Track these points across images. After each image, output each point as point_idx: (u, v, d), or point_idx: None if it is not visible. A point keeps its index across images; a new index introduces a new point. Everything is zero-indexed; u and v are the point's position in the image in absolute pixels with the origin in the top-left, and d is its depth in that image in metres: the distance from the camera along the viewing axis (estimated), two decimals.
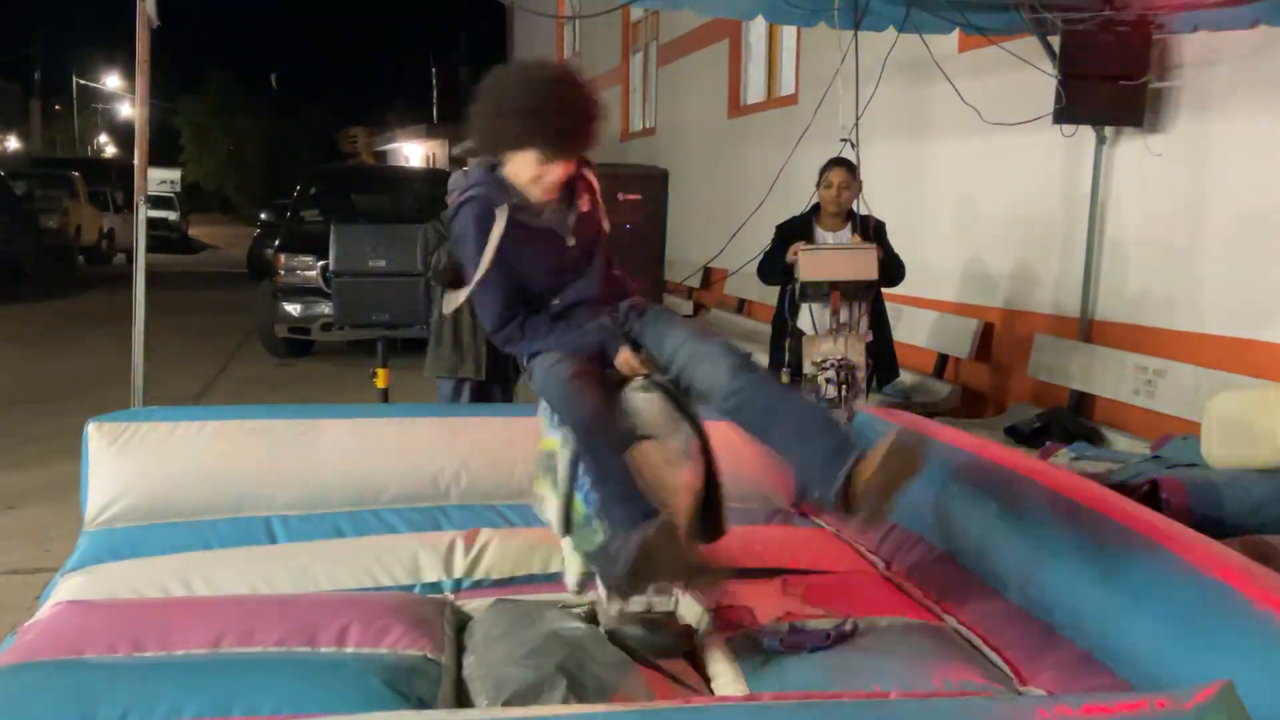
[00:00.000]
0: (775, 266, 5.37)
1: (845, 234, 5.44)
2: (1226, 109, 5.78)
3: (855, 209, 5.44)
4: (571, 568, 2.93)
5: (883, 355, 5.50)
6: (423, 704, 2.45)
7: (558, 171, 2.76)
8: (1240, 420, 4.33)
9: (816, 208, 5.55)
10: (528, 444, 3.16)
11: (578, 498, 2.80)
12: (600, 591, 2.81)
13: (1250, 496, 4.01)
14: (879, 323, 5.43)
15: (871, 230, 5.37)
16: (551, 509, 2.89)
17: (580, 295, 2.90)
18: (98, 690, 2.37)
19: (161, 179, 36.28)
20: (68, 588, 3.14)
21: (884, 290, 5.54)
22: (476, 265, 2.75)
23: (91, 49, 51.40)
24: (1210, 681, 1.64)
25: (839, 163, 5.44)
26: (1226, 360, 5.65)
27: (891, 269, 5.30)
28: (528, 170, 2.75)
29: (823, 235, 5.46)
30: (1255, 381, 5.27)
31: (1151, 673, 2.38)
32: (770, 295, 5.73)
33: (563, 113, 2.70)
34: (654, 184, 7.76)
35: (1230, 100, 5.75)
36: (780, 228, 5.53)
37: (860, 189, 5.41)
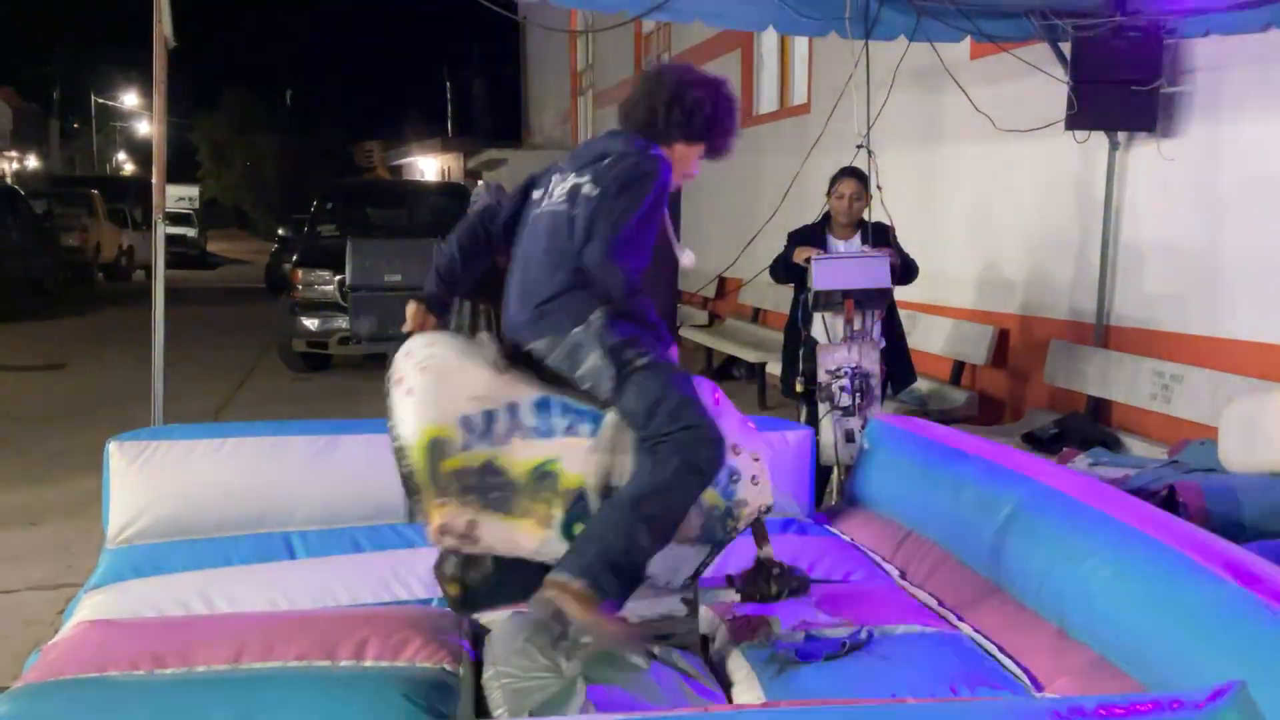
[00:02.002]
0: (779, 267, 5.43)
1: (856, 242, 5.45)
2: (1239, 113, 5.77)
3: (867, 218, 5.46)
4: (688, 566, 2.88)
5: (899, 361, 5.50)
6: (442, 716, 2.47)
7: (698, 170, 3.09)
8: (1258, 424, 4.32)
9: (828, 216, 5.56)
10: None
11: (715, 493, 2.79)
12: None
13: (1268, 500, 4.00)
14: (893, 329, 5.43)
15: (877, 235, 5.37)
16: (511, 529, 2.72)
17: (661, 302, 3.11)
18: (121, 708, 2.41)
19: (180, 196, 36.58)
20: (91, 605, 3.17)
21: (901, 298, 5.54)
22: (643, 218, 2.79)
23: (109, 68, 51.82)
24: (1224, 682, 1.65)
25: (850, 173, 5.45)
26: (1243, 364, 5.63)
27: (904, 271, 5.31)
28: (685, 163, 3.03)
29: (834, 244, 5.47)
30: (1272, 385, 5.25)
31: (1168, 677, 2.39)
32: (785, 304, 5.74)
33: (736, 123, 3.07)
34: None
35: (1243, 104, 5.74)
36: (792, 235, 5.54)
37: (870, 199, 5.42)
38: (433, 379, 2.73)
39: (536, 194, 3.03)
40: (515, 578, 2.75)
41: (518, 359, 2.85)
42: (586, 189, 2.84)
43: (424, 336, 2.92)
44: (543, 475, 2.70)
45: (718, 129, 3.02)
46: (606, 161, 2.89)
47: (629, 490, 2.67)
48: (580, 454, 2.72)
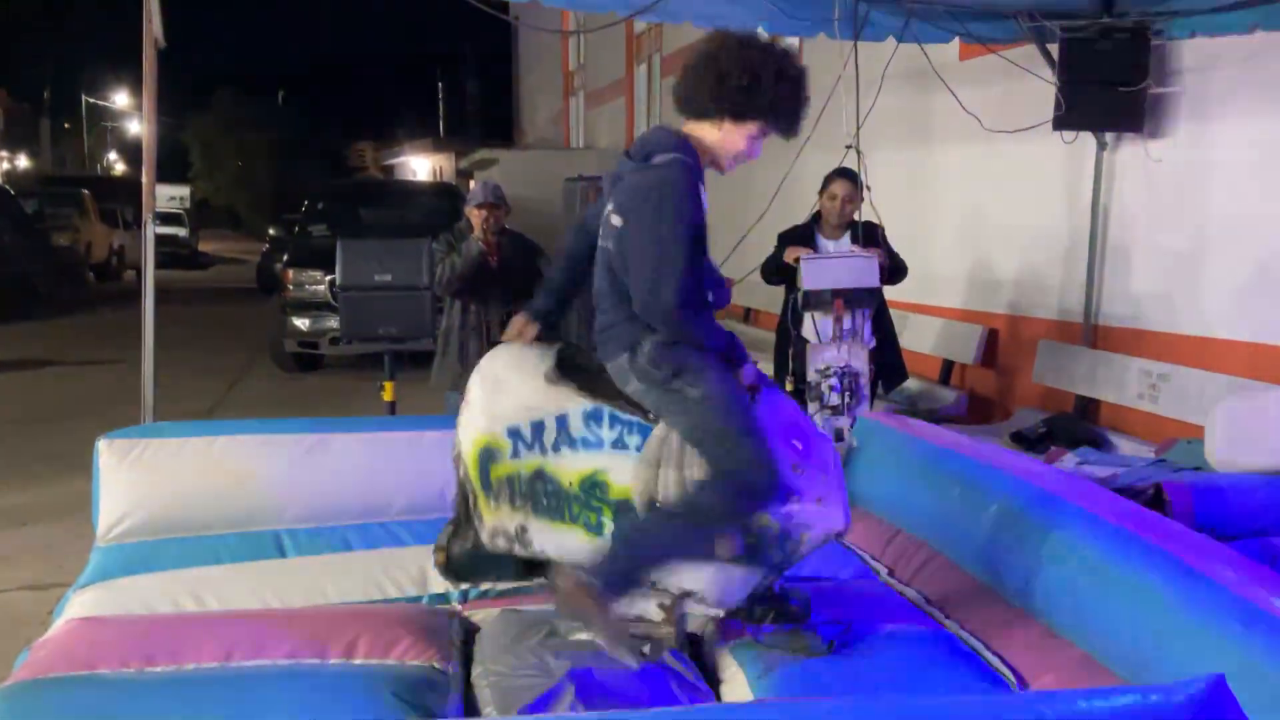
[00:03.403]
0: (770, 268, 5.46)
1: (845, 242, 5.47)
2: (1226, 113, 5.80)
3: (857, 218, 5.48)
4: (742, 589, 2.85)
5: (889, 360, 5.52)
6: (431, 714, 2.48)
7: (759, 151, 2.83)
8: (1244, 424, 4.35)
9: (817, 216, 5.58)
10: None
11: (768, 514, 2.74)
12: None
13: (1254, 500, 4.03)
14: (884, 327, 5.45)
15: (867, 235, 5.39)
16: (563, 535, 2.80)
17: (718, 297, 2.85)
18: (111, 705, 2.42)
19: (171, 195, 36.44)
20: (81, 603, 3.18)
21: (890, 298, 5.56)
22: (685, 226, 2.64)
23: (100, 68, 51.61)
24: (1203, 676, 1.66)
25: (843, 174, 5.46)
26: (1230, 364, 5.66)
27: (893, 270, 5.33)
28: (739, 142, 2.79)
29: (824, 244, 5.49)
30: (1259, 385, 5.28)
31: (1153, 675, 2.40)
32: (776, 304, 5.76)
33: (802, 99, 2.78)
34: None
35: (1229, 105, 5.77)
36: (782, 235, 5.57)
37: (862, 201, 5.44)
38: (487, 390, 2.84)
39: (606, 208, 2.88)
40: (494, 556, 2.87)
41: (575, 369, 2.86)
42: (615, 220, 2.77)
43: (500, 348, 2.97)
44: (593, 485, 2.76)
45: (778, 106, 2.75)
46: (621, 185, 2.78)
47: (669, 505, 2.70)
48: (628, 465, 2.75)
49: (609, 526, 2.76)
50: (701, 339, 2.70)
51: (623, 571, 2.70)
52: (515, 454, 2.78)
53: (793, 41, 10.33)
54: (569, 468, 2.77)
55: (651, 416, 2.77)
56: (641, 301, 2.67)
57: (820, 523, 2.79)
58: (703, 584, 2.78)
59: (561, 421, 2.78)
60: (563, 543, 2.80)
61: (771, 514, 2.74)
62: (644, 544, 2.71)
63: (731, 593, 2.83)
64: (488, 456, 2.80)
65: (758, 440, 2.66)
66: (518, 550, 2.83)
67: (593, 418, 2.77)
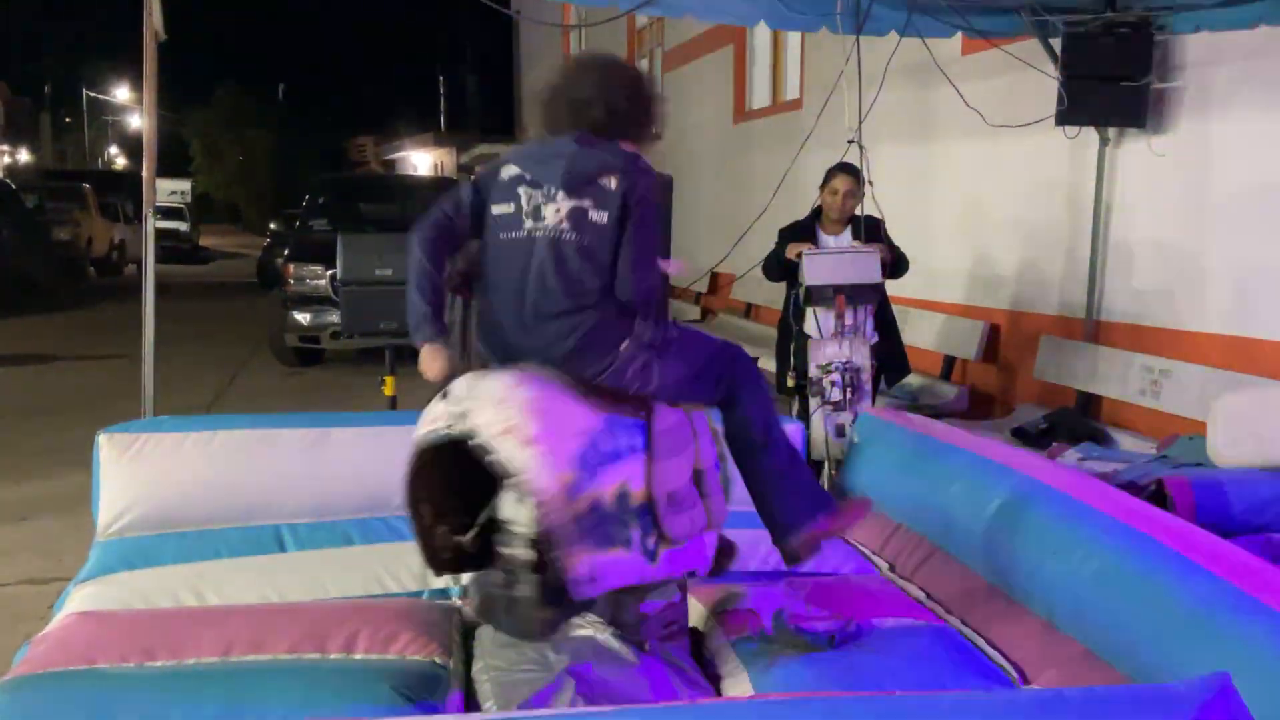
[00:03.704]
0: (772, 264, 5.46)
1: (846, 236, 5.46)
2: (1229, 109, 5.79)
3: (859, 213, 5.47)
4: None
5: (892, 354, 5.52)
6: (432, 709, 2.47)
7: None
8: (1246, 419, 4.34)
9: (818, 212, 5.57)
10: None
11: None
12: None
13: (1256, 495, 4.02)
14: (886, 321, 5.44)
15: (869, 229, 5.38)
16: (614, 561, 2.62)
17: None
18: (111, 700, 2.41)
19: (171, 190, 36.46)
20: (81, 597, 3.17)
21: (892, 293, 5.55)
22: (666, 243, 2.84)
23: (101, 62, 51.63)
24: (1207, 675, 1.65)
25: (845, 169, 5.45)
26: (1232, 359, 5.65)
27: (894, 265, 5.32)
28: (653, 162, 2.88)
29: (825, 239, 5.48)
30: (1261, 380, 5.28)
31: (1155, 671, 2.40)
32: (778, 299, 5.75)
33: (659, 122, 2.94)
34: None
35: (1232, 100, 5.76)
36: (783, 232, 5.56)
37: (863, 195, 5.43)
38: (550, 422, 2.54)
39: (501, 209, 2.77)
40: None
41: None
42: (594, 216, 2.69)
43: (490, 378, 2.64)
44: (622, 497, 2.63)
45: (655, 125, 2.88)
46: (604, 182, 2.71)
47: (754, 437, 2.88)
48: (640, 468, 2.66)
49: (636, 538, 2.64)
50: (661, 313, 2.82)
51: (803, 490, 2.94)
52: (579, 486, 2.59)
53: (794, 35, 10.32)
54: (606, 487, 2.60)
55: (640, 412, 2.72)
56: (642, 293, 2.70)
57: (677, 560, 2.73)
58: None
59: (595, 440, 2.63)
60: (616, 568, 2.64)
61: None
62: (786, 469, 2.91)
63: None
64: (570, 495, 2.56)
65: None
66: (588, 592, 2.60)
67: (611, 429, 2.66)
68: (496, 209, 2.78)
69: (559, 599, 2.57)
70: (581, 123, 2.78)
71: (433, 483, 2.64)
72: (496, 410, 2.51)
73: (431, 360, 2.72)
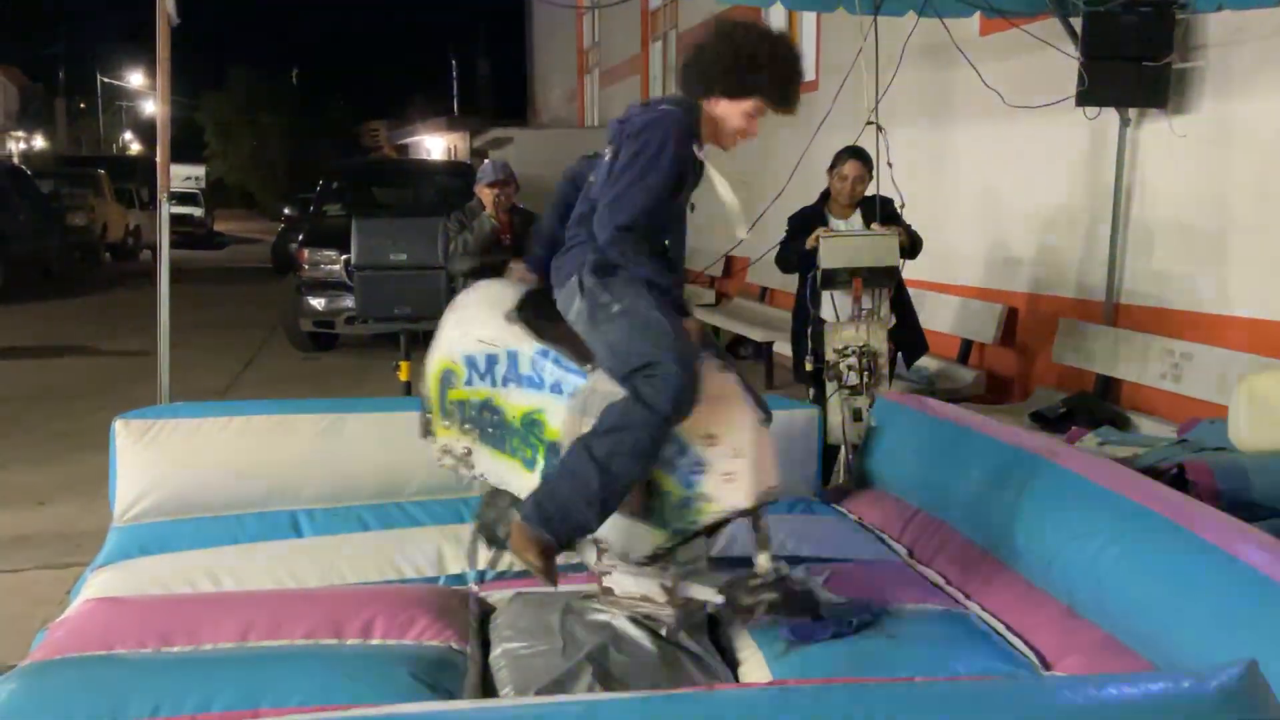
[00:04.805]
0: (790, 256, 5.39)
1: (856, 220, 5.42)
2: (1251, 89, 5.71)
3: (869, 194, 5.42)
4: (643, 544, 2.82)
5: (909, 335, 5.48)
6: (449, 694, 2.47)
7: (756, 129, 2.94)
8: (1269, 403, 4.30)
9: (826, 195, 5.53)
10: None
11: (672, 478, 2.74)
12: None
13: (1278, 479, 3.98)
14: (903, 302, 5.40)
15: (885, 210, 5.33)
16: (502, 465, 2.96)
17: (678, 256, 3.05)
18: (128, 685, 2.41)
19: (186, 175, 36.52)
20: (98, 583, 3.18)
21: (908, 276, 5.50)
22: (663, 167, 2.75)
23: (115, 47, 51.77)
24: (1234, 661, 1.63)
25: (854, 154, 5.40)
26: (1254, 342, 5.60)
27: (910, 245, 5.27)
28: (737, 119, 2.90)
29: (835, 223, 5.44)
30: None
31: (1177, 656, 2.38)
32: (792, 283, 5.71)
33: (795, 75, 2.90)
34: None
35: (1255, 80, 5.69)
36: (793, 219, 5.51)
37: (871, 179, 5.38)
38: (453, 319, 3.04)
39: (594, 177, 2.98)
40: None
41: (536, 312, 2.97)
42: (606, 154, 2.90)
43: (479, 284, 3.21)
44: (531, 422, 2.88)
45: (768, 80, 2.85)
46: (616, 129, 2.89)
47: (589, 431, 2.71)
48: (561, 409, 2.82)
49: (540, 464, 2.85)
50: (640, 266, 2.74)
51: (555, 514, 2.69)
52: (469, 381, 2.95)
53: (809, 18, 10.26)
54: (514, 402, 2.90)
55: (589, 367, 2.81)
56: (598, 216, 2.77)
57: (723, 498, 2.72)
58: (609, 530, 2.79)
59: (512, 358, 2.91)
60: (501, 472, 2.94)
61: (678, 479, 2.73)
62: (571, 477, 2.68)
63: (635, 549, 2.83)
64: (446, 379, 2.99)
65: (679, 355, 2.64)
66: (461, 471, 3.02)
67: (541, 359, 2.88)
68: (593, 177, 2.97)
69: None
70: (679, 82, 2.94)
71: None
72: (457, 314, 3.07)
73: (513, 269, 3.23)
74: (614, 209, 2.73)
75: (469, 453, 2.99)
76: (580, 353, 2.84)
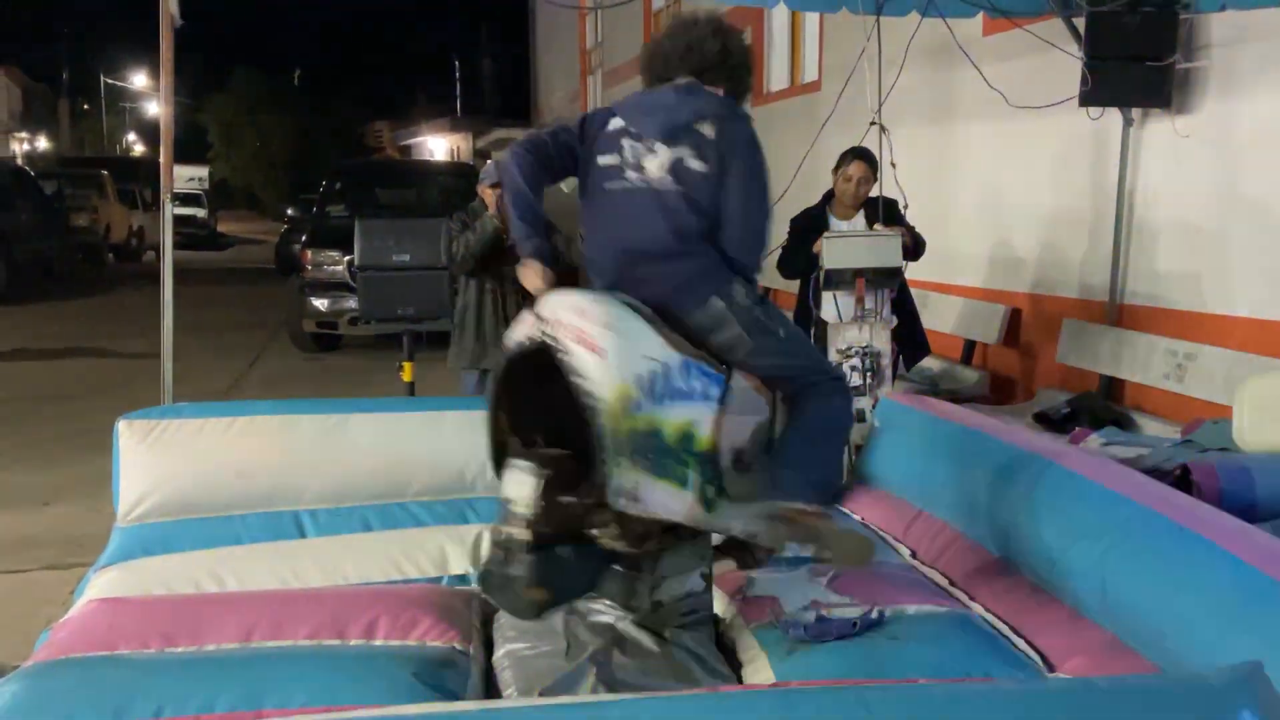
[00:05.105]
0: (797, 260, 5.37)
1: (859, 221, 5.42)
2: (1255, 89, 5.70)
3: (873, 194, 5.42)
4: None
5: (912, 336, 5.47)
6: (452, 695, 2.47)
7: None
8: (1273, 403, 4.29)
9: (829, 196, 5.52)
10: None
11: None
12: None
13: None
14: (905, 303, 5.40)
15: (888, 211, 5.33)
16: (664, 492, 2.64)
17: None
18: (131, 686, 2.41)
19: (189, 176, 36.60)
20: (101, 583, 3.18)
21: (912, 276, 5.50)
22: (769, 190, 2.89)
23: (118, 48, 51.82)
24: (1239, 663, 1.63)
25: (859, 155, 5.39)
26: (1258, 343, 5.59)
27: (913, 247, 5.27)
28: None
29: (837, 224, 5.43)
30: None
31: (1182, 658, 2.37)
32: (794, 284, 5.71)
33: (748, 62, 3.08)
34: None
35: (1259, 80, 5.68)
36: (795, 221, 5.51)
37: (875, 180, 5.38)
38: (620, 339, 2.61)
39: (606, 159, 2.86)
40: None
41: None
42: (695, 165, 2.78)
43: (579, 294, 2.74)
44: (686, 437, 2.66)
45: (749, 82, 3.04)
46: (704, 130, 2.79)
47: (813, 425, 2.84)
48: (710, 417, 2.69)
49: (693, 478, 2.66)
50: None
51: (818, 487, 2.82)
52: (638, 406, 2.61)
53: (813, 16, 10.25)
54: (672, 419, 2.64)
55: (721, 367, 2.74)
56: (742, 242, 2.84)
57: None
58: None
59: (668, 373, 2.65)
60: (666, 501, 2.65)
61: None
62: (821, 464, 2.86)
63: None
64: (625, 408, 2.58)
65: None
66: (631, 509, 2.63)
67: (687, 369, 2.68)
68: (602, 159, 2.88)
69: (549, 580, 2.60)
70: (680, 70, 2.91)
71: (514, 393, 2.73)
72: (577, 319, 2.62)
73: (528, 274, 2.83)
74: (760, 237, 2.89)
75: (637, 486, 2.59)
76: (711, 355, 2.76)
